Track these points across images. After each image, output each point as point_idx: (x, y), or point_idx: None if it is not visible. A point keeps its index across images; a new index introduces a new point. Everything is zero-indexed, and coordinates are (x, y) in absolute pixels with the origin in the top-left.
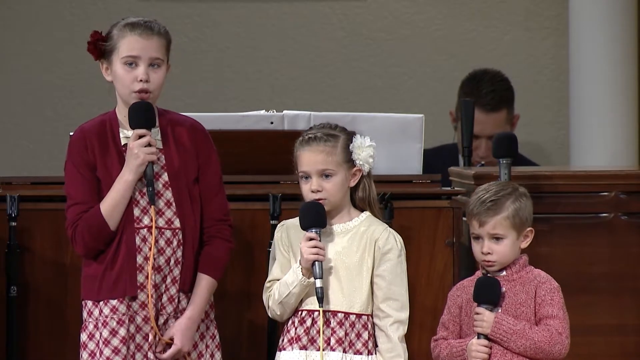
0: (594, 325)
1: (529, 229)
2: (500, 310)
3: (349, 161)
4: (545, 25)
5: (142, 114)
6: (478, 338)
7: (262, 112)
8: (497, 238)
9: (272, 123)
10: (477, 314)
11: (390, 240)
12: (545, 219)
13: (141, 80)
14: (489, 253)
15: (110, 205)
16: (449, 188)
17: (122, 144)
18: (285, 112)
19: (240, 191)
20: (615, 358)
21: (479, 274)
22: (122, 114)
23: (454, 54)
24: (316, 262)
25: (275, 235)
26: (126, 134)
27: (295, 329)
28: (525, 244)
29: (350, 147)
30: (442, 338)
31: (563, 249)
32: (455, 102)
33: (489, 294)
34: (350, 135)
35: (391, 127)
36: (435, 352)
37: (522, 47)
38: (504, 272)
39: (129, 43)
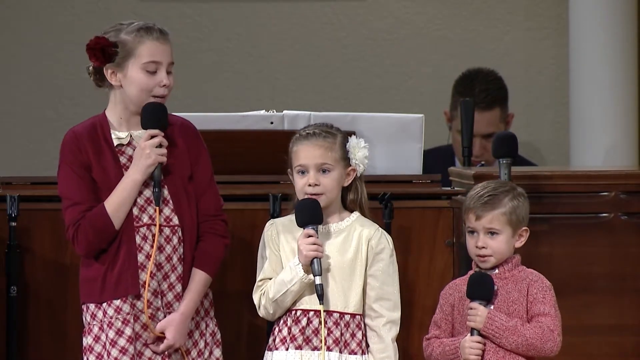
0: (593, 325)
1: (524, 228)
2: (492, 307)
3: (345, 159)
4: (545, 25)
5: (157, 115)
6: (471, 334)
7: (262, 112)
8: (492, 233)
9: (272, 123)
10: (471, 308)
11: (383, 241)
12: (545, 219)
13: (164, 86)
14: (483, 247)
15: (116, 203)
16: (449, 188)
17: (115, 144)
18: (285, 112)
19: (240, 191)
20: (615, 358)
21: (471, 273)
22: (116, 116)
23: (454, 54)
24: (315, 259)
25: (264, 234)
26: (118, 135)
27: (289, 328)
28: (519, 244)
29: (347, 146)
30: (435, 337)
31: (563, 249)
32: (450, 102)
33: (482, 289)
34: (346, 135)
35: (391, 127)
36: (428, 351)
37: (522, 47)
38: (497, 270)
39: (149, 49)
